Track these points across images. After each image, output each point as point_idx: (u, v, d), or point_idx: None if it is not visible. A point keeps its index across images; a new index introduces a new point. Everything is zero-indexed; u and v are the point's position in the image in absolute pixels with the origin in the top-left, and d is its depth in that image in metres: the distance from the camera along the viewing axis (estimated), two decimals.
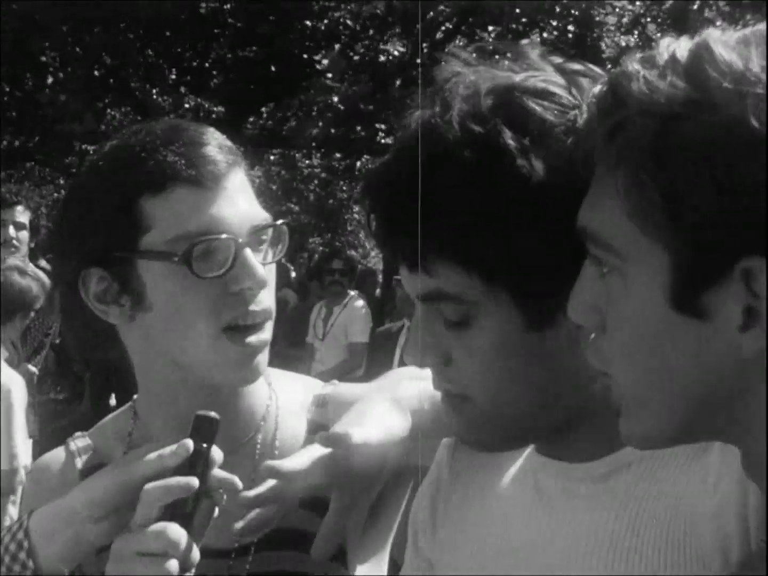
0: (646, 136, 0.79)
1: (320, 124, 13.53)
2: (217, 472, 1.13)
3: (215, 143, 1.29)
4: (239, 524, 1.15)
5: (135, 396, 1.43)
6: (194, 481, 1.09)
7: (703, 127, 0.76)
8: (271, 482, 1.14)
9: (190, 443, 1.11)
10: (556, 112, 1.01)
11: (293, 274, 12.40)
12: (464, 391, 1.06)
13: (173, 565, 1.06)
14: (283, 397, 1.45)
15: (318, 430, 1.40)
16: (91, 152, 1.39)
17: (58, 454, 1.43)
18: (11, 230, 5.79)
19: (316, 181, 19.67)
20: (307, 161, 18.22)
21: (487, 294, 1.00)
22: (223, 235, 1.24)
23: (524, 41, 1.16)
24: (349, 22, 14.30)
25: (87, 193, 1.31)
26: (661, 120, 0.78)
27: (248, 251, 1.26)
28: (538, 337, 1.02)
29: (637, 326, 0.83)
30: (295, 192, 19.95)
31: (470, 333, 1.03)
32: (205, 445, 1.12)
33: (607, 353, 0.87)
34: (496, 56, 1.07)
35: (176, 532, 1.07)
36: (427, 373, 1.25)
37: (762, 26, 0.82)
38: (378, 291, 11.64)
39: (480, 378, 1.04)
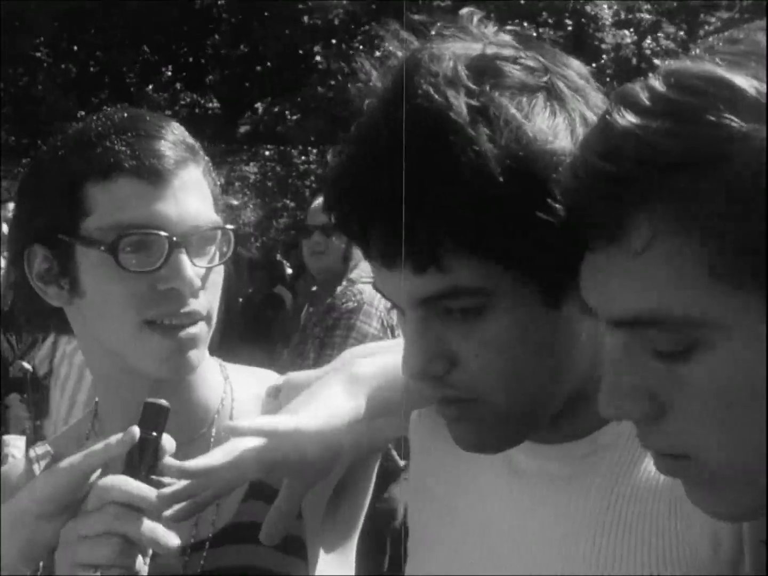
0: (716, 187, 0.72)
1: (316, 119, 13.51)
2: (168, 461, 1.09)
3: (171, 138, 1.27)
4: (167, 513, 1.09)
5: (96, 399, 1.41)
6: (153, 496, 1.05)
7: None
8: (184, 481, 1.10)
9: (136, 430, 1.08)
10: (536, 77, 0.96)
11: (289, 271, 12.35)
12: (474, 392, 0.99)
13: (116, 545, 1.04)
14: (239, 391, 1.42)
15: None
16: None
17: (18, 463, 1.42)
18: (4, 227, 5.78)
19: (312, 177, 19.65)
20: (303, 157, 18.20)
21: (505, 279, 0.94)
22: (156, 231, 1.22)
23: (464, 10, 1.08)
24: (343, 17, 14.27)
25: (40, 173, 1.32)
26: (723, 164, 0.72)
27: (182, 251, 1.23)
28: (555, 315, 0.97)
29: (739, 395, 0.76)
30: (290, 188, 19.93)
31: (484, 324, 0.96)
32: (154, 434, 1.08)
33: (689, 435, 0.80)
34: (432, 32, 1.01)
35: (120, 510, 1.04)
36: (380, 347, 1.21)
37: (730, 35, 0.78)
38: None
39: (495, 372, 0.98)
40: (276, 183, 19.04)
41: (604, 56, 14.15)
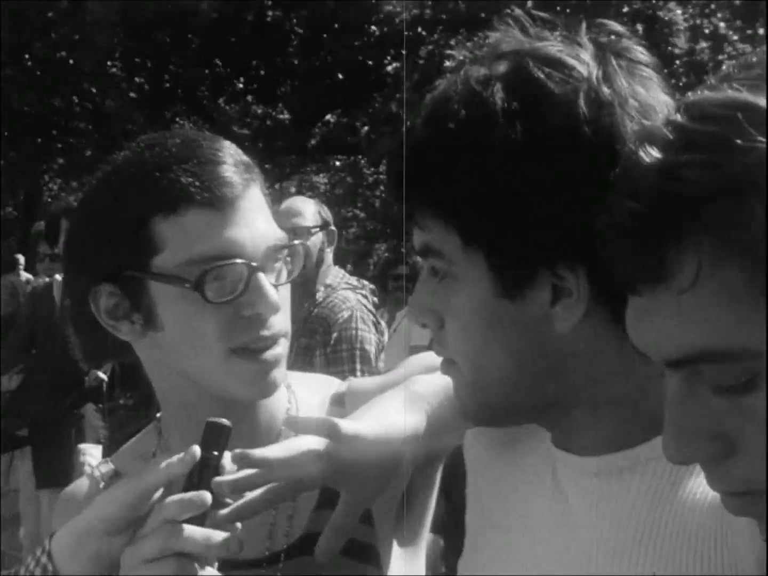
0: (758, 211, 0.70)
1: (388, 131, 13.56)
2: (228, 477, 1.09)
3: (231, 161, 1.25)
4: (223, 511, 1.10)
5: (158, 414, 1.41)
6: (207, 496, 1.06)
7: None
8: (246, 471, 1.10)
9: (197, 450, 1.08)
10: (561, 81, 0.97)
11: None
12: (451, 355, 1.06)
13: (175, 563, 1.05)
14: (302, 400, 1.41)
15: None
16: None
17: (83, 483, 1.42)
18: None
19: (381, 187, 19.75)
20: (372, 168, 18.29)
21: (463, 253, 1.00)
22: (236, 260, 1.21)
23: (602, 21, 1.12)
24: (409, 24, 14.30)
25: (99, 208, 1.28)
26: (761, 187, 0.70)
27: (261, 276, 1.22)
28: (509, 306, 1.00)
29: None
30: (360, 198, 20.03)
31: (455, 293, 1.03)
32: (215, 453, 1.08)
33: (762, 469, 0.77)
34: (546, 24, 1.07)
35: (175, 527, 1.05)
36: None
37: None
38: None
39: (462, 341, 1.04)
40: (346, 193, 19.15)
41: (677, 61, 13.98)
